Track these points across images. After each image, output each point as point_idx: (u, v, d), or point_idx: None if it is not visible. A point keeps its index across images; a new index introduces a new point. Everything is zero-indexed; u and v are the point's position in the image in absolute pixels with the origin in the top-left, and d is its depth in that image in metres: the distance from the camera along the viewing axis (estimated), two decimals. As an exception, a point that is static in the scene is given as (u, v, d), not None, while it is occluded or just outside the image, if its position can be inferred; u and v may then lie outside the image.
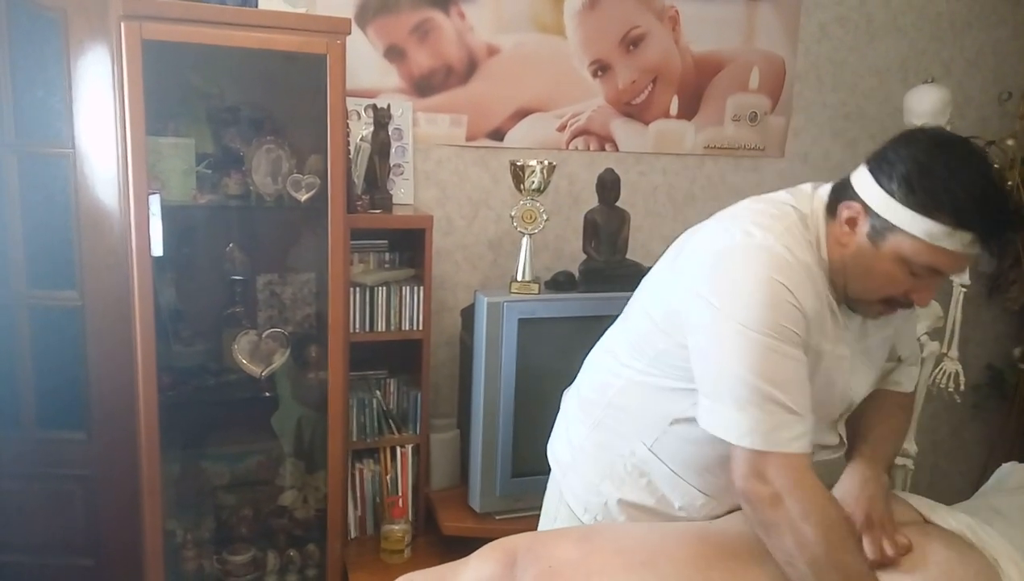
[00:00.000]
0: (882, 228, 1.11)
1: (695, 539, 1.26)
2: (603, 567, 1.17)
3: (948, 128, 2.51)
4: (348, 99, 2.19)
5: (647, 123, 2.68)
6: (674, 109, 2.69)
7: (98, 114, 2.19)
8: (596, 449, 1.43)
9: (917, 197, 1.07)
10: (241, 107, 2.12)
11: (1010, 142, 2.78)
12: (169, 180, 1.92)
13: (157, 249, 1.87)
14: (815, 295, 1.16)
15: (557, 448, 1.55)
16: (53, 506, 2.48)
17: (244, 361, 2.05)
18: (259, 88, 2.14)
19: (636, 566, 1.16)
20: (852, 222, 1.16)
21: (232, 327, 2.15)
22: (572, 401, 1.55)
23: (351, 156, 2.16)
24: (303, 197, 1.99)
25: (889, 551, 1.18)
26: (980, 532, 1.32)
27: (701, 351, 1.19)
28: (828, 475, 1.26)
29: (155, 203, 1.84)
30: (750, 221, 1.19)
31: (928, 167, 1.07)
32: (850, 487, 1.25)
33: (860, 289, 1.19)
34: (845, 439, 1.35)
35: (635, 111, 2.65)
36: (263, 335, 2.07)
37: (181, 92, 2.07)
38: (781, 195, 1.26)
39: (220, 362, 2.16)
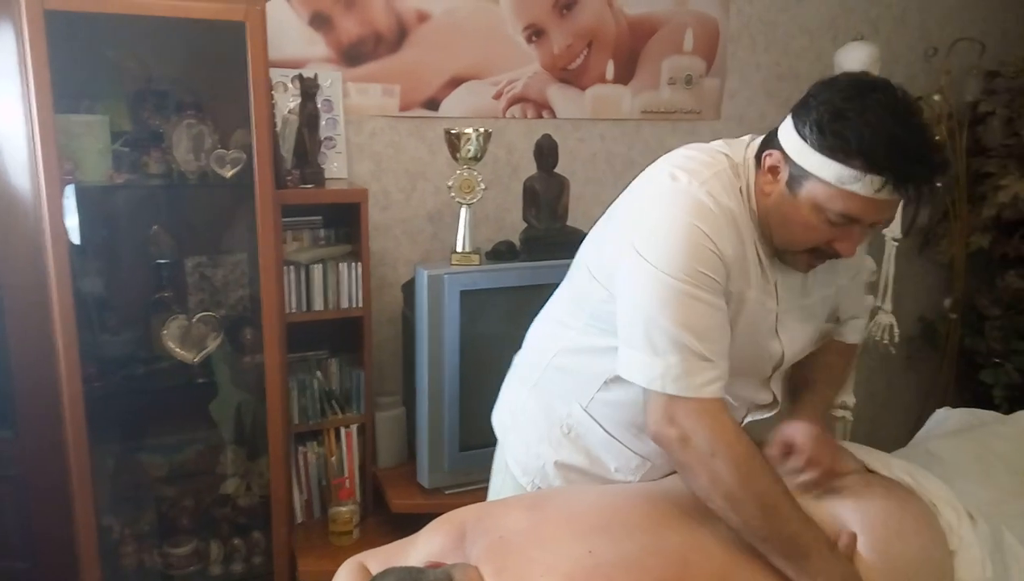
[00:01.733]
0: (798, 175, 1.09)
1: (645, 501, 1.25)
2: (554, 534, 1.15)
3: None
4: (273, 70, 2.12)
5: (583, 89, 2.64)
6: (610, 73, 2.66)
7: (4, 93, 2.05)
8: (535, 411, 1.43)
9: (827, 141, 1.04)
10: (159, 81, 2.01)
11: (937, 97, 2.84)
12: (83, 160, 1.82)
13: (74, 235, 1.77)
14: (738, 242, 1.15)
15: (501, 413, 1.55)
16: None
17: (175, 347, 1.97)
18: (177, 60, 2.03)
19: (587, 532, 1.14)
20: (774, 170, 1.14)
21: (161, 313, 2.06)
22: (516, 365, 1.54)
23: (278, 129, 2.08)
24: (228, 173, 1.91)
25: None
26: (919, 477, 1.35)
27: (622, 296, 1.18)
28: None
29: (70, 186, 1.74)
30: (678, 166, 1.18)
31: (840, 111, 1.04)
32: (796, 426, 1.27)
33: (783, 239, 1.17)
34: (779, 397, 1.35)
35: (571, 77, 2.62)
36: (194, 319, 1.99)
37: (93, 67, 1.95)
38: (717, 144, 1.25)
39: (150, 350, 2.07)
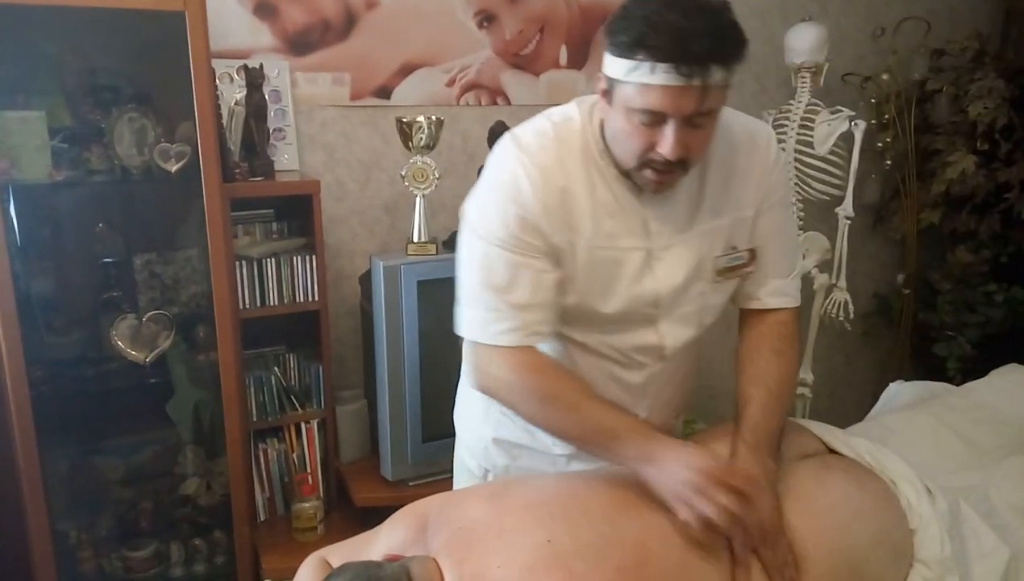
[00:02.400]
0: (610, 86, 1.11)
1: (607, 487, 1.25)
2: (514, 523, 1.14)
3: (826, 65, 2.58)
4: (218, 61, 2.07)
5: (537, 74, 2.63)
6: (563, 59, 2.65)
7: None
8: (472, 396, 1.44)
9: (615, 40, 1.07)
10: (98, 75, 1.95)
11: (885, 76, 2.88)
12: (20, 158, 1.76)
13: (15, 235, 1.72)
14: (558, 200, 1.17)
15: (456, 402, 1.55)
16: (-70, 520, 2.29)
17: (125, 347, 1.93)
18: (117, 53, 1.98)
19: (547, 520, 1.14)
20: (604, 93, 1.14)
21: (110, 312, 2.01)
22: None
23: (225, 122, 2.03)
24: (173, 168, 1.86)
25: (762, 559, 1.13)
26: (878, 455, 1.37)
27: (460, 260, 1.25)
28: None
29: (8, 186, 1.68)
30: (513, 132, 1.22)
31: (626, 10, 1.07)
32: None
33: (619, 159, 1.17)
34: (668, 343, 1.29)
35: (524, 62, 2.60)
36: (144, 319, 1.95)
37: (29, 61, 1.89)
38: (571, 103, 1.25)
39: (100, 351, 2.02)
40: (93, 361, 2.01)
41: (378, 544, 1.26)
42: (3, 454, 2.12)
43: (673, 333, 1.29)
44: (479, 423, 1.44)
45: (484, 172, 1.22)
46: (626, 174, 1.19)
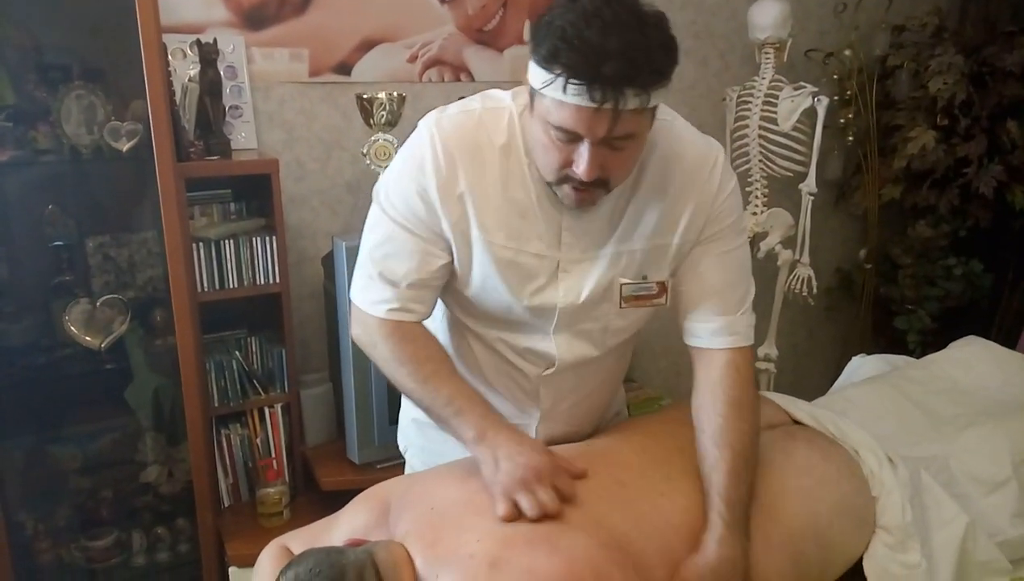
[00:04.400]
0: (531, 93, 1.05)
1: (584, 464, 1.24)
2: (492, 504, 1.13)
3: (789, 41, 2.58)
4: (170, 36, 2.01)
5: (501, 50, 2.59)
6: (527, 34, 2.62)
7: None
8: None
9: (535, 46, 1.01)
10: (44, 51, 1.88)
11: (847, 52, 2.89)
12: (-39, 137, 1.69)
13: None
14: (470, 182, 1.13)
15: None
16: None
17: (79, 333, 1.87)
18: (64, 28, 1.91)
19: None
20: (530, 97, 1.08)
21: (63, 297, 1.95)
22: None
23: (178, 99, 1.97)
24: (124, 146, 1.80)
25: None
26: (841, 425, 1.39)
27: None
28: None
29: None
30: (439, 109, 1.19)
31: (549, 18, 0.99)
32: (710, 562, 1.10)
33: (540, 169, 1.12)
34: (558, 355, 1.24)
35: (488, 38, 2.56)
36: (98, 303, 1.89)
37: (-32, 37, 1.82)
38: (512, 90, 1.20)
39: (53, 337, 1.96)
40: (46, 348, 1.95)
41: (339, 529, 1.24)
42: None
43: (568, 347, 1.24)
44: (405, 402, 1.45)
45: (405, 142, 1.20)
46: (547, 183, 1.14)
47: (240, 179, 2.13)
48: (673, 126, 1.19)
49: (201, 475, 1.99)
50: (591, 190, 1.07)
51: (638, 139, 1.06)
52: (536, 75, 1.01)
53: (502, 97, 1.17)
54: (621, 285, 1.19)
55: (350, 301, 1.27)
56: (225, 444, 2.18)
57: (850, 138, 2.99)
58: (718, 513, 1.12)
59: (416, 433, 1.46)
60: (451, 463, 1.34)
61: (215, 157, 1.98)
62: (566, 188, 1.08)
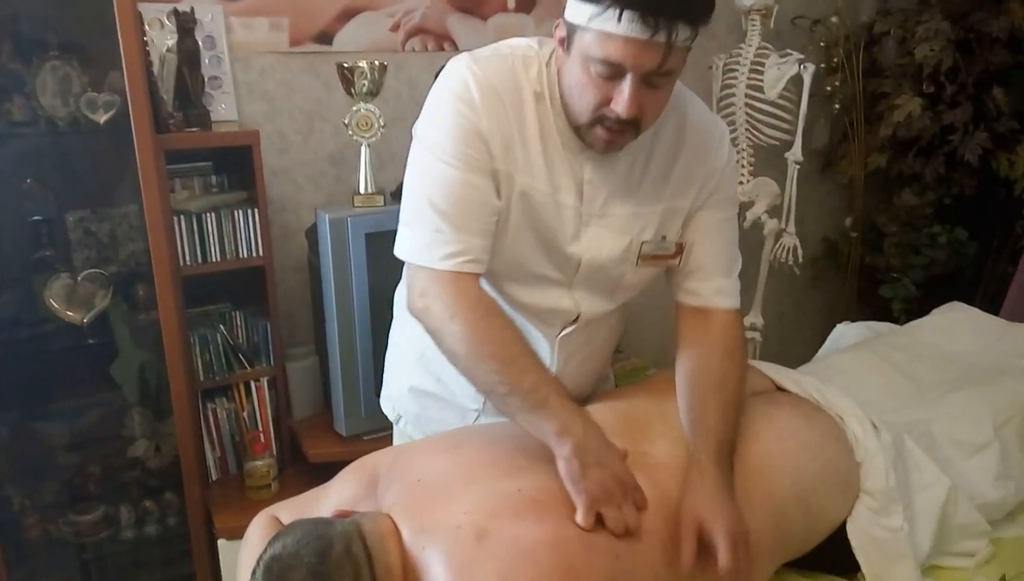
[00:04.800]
0: (569, 32, 1.06)
1: None
2: (482, 474, 1.12)
3: (776, 7, 2.56)
4: (147, 5, 1.98)
5: (485, 18, 2.56)
6: (512, 2, 2.58)
7: None
8: (396, 342, 1.46)
9: None
10: (18, 21, 1.84)
11: (834, 19, 2.87)
12: (-68, 109, 1.65)
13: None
14: (513, 124, 1.13)
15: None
16: None
17: (60, 308, 1.85)
18: (37, -2, 1.86)
19: (516, 471, 1.12)
20: (561, 41, 1.10)
21: (43, 273, 1.92)
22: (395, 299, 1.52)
23: (156, 70, 1.93)
24: (102, 118, 1.77)
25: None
26: (825, 392, 1.40)
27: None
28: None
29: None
30: (469, 53, 1.17)
31: None
32: (702, 501, 1.09)
33: (570, 110, 1.12)
34: (583, 310, 1.27)
35: (471, 6, 2.52)
36: (79, 278, 1.87)
37: (-62, 6, 1.77)
38: (532, 39, 1.21)
39: (35, 313, 1.94)
40: (27, 323, 1.93)
41: (328, 500, 1.24)
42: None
43: (588, 302, 1.27)
44: (398, 371, 1.45)
45: (434, 86, 1.16)
46: (574, 129, 1.14)
47: (221, 151, 2.10)
48: (684, 92, 1.23)
49: (187, 449, 1.99)
50: (623, 132, 1.09)
51: (673, 79, 1.08)
52: (579, 11, 1.02)
53: (530, 44, 1.18)
54: (642, 243, 1.22)
55: (407, 268, 1.18)
56: (212, 418, 2.17)
57: (836, 106, 2.98)
58: (705, 451, 1.14)
59: (412, 401, 1.44)
60: (438, 434, 1.34)
61: (194, 129, 1.95)
62: (597, 130, 1.09)
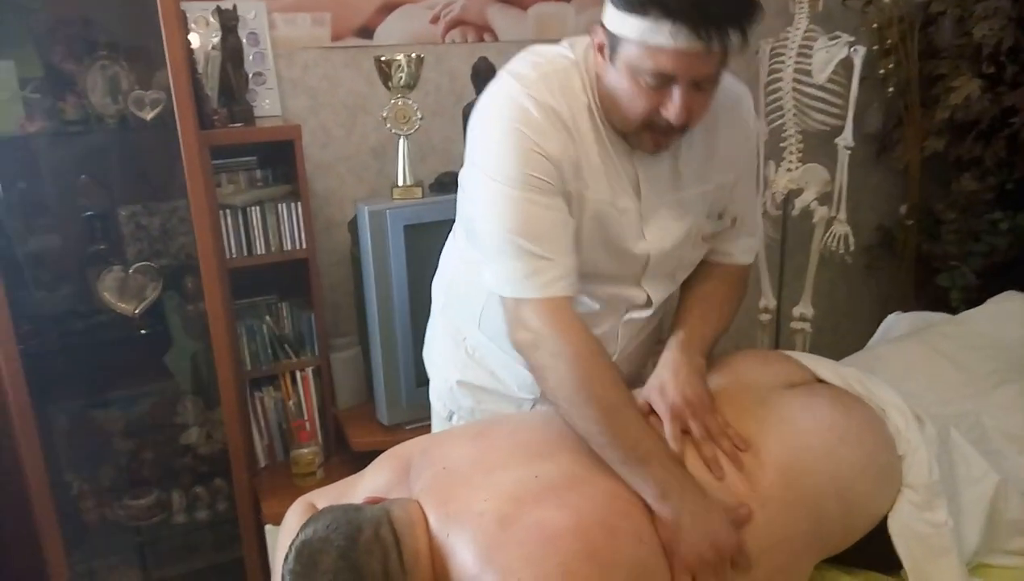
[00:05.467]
0: (613, 43, 1.05)
1: None
2: (501, 461, 1.13)
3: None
4: (191, 4, 2.03)
5: (525, 8, 2.55)
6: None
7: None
8: (442, 335, 1.45)
9: None
10: (68, 22, 1.90)
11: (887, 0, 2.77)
12: (-10, 109, 1.73)
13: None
14: (569, 142, 1.11)
15: (426, 346, 1.55)
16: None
17: (113, 300, 1.92)
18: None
19: (534, 458, 1.13)
20: (600, 48, 1.09)
21: (97, 266, 1.99)
22: (433, 292, 1.52)
23: (201, 67, 1.98)
24: (149, 116, 1.83)
25: (697, 431, 1.14)
26: (867, 383, 1.35)
27: (473, 209, 1.19)
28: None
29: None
30: (509, 71, 1.15)
31: None
32: (661, 375, 1.19)
33: (617, 117, 1.12)
34: (654, 298, 1.29)
35: (511, -4, 2.52)
36: (130, 271, 1.93)
37: (-4, 10, 1.84)
38: (561, 44, 1.19)
39: (89, 305, 2.01)
40: (82, 315, 2.00)
41: (362, 487, 1.26)
42: (4, 409, 2.15)
43: (656, 288, 1.29)
44: (445, 364, 1.44)
45: (483, 112, 1.15)
46: (621, 134, 1.15)
47: (265, 146, 2.14)
48: None
49: (235, 436, 2.04)
50: (672, 134, 1.10)
51: (719, 78, 1.08)
52: (622, 22, 1.02)
53: (563, 53, 1.16)
54: (702, 223, 1.26)
55: (508, 304, 1.15)
56: (259, 407, 2.23)
57: (890, 89, 2.87)
58: (674, 338, 1.22)
59: (464, 395, 1.43)
60: (466, 424, 1.35)
61: (238, 125, 1.99)
62: (646, 135, 1.10)
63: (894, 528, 1.22)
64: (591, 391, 1.07)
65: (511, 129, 1.09)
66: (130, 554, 2.17)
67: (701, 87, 1.04)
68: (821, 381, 1.40)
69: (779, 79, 2.56)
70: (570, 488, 1.04)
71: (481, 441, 1.19)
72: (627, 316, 1.29)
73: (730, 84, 1.23)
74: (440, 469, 1.16)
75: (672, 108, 1.03)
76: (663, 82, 1.02)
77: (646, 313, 1.30)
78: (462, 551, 1.01)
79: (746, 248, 1.36)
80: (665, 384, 1.17)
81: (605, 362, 1.12)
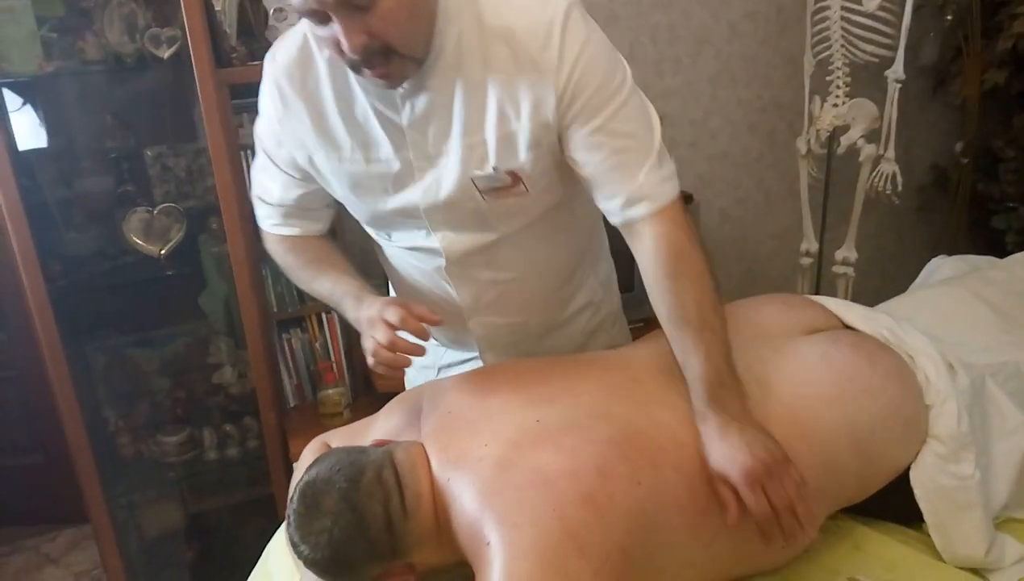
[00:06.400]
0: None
1: (595, 370, 1.21)
2: (504, 406, 1.12)
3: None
4: (208, -63, 1.97)
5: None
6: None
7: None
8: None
9: None
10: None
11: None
12: (10, 50, 1.72)
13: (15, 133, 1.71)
14: (313, 104, 1.12)
15: None
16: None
17: (138, 241, 1.94)
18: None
19: (536, 402, 1.12)
20: None
21: (125, 207, 2.01)
22: None
23: (219, 3, 1.94)
24: (165, 54, 1.81)
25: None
26: (898, 330, 1.29)
27: None
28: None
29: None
30: (282, 37, 1.17)
31: None
32: (708, 456, 1.04)
33: None
34: (443, 245, 1.19)
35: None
36: (155, 212, 1.95)
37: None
38: None
39: (117, 245, 2.04)
40: (110, 255, 2.03)
41: (375, 429, 1.27)
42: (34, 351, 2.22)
43: (453, 239, 1.19)
44: None
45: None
46: None
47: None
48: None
49: (261, 376, 2.07)
50: (384, 64, 0.98)
51: None
52: None
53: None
54: (473, 179, 1.10)
55: None
56: (287, 348, 2.25)
57: (948, 18, 2.69)
58: (699, 397, 1.05)
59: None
60: (476, 369, 1.33)
61: (257, 62, 1.95)
62: (365, 73, 1.01)
63: (916, 480, 1.17)
64: (302, 271, 1.29)
65: (260, 102, 1.19)
66: (166, 489, 2.25)
67: (361, 7, 0.92)
68: (849, 328, 1.34)
69: (826, 7, 2.42)
70: (569, 432, 1.02)
71: (485, 386, 1.18)
72: (444, 269, 1.22)
73: (531, 13, 1.03)
74: (445, 413, 1.15)
75: (342, 41, 0.95)
76: (320, 20, 0.95)
77: (439, 260, 1.21)
78: (462, 495, 1.01)
79: (628, 200, 1.09)
80: (723, 461, 1.02)
81: (308, 245, 1.29)
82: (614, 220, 1.13)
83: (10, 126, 1.77)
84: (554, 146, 1.10)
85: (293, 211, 1.26)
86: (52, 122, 1.98)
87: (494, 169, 1.10)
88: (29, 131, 1.90)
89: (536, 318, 1.32)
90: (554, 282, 1.31)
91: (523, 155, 1.09)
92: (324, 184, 1.20)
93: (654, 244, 1.09)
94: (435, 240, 1.19)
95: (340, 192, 1.19)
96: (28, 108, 1.85)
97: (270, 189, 1.25)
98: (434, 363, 1.43)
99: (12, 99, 1.80)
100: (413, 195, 1.14)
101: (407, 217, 1.17)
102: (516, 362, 1.30)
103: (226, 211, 1.89)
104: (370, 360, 1.10)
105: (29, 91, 1.81)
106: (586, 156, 1.09)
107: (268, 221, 1.29)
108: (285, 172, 1.21)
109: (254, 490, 2.27)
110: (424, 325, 1.10)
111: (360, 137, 1.12)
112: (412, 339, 1.09)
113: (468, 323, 1.29)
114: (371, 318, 1.10)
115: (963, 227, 3.03)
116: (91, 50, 1.82)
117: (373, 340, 1.08)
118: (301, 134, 1.15)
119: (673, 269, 1.08)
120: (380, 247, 1.33)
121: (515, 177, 1.11)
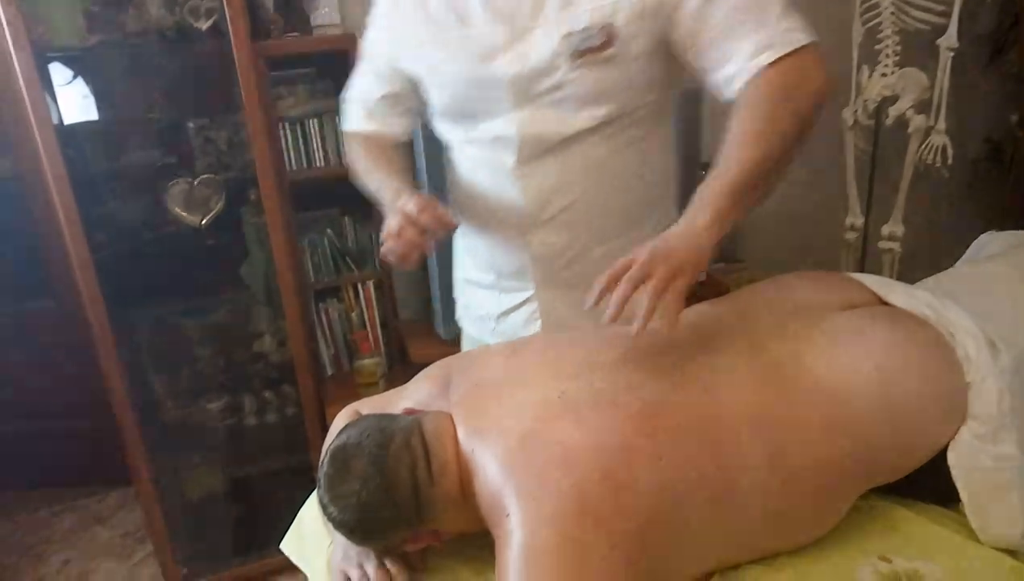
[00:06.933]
0: None
1: (619, 342, 1.20)
2: (529, 379, 1.12)
3: None
4: (247, -92, 1.97)
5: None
6: None
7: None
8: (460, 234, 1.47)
9: None
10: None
11: None
12: (54, 22, 1.76)
13: (59, 105, 1.75)
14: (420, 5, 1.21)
15: None
16: (40, 373, 2.52)
17: (179, 211, 1.97)
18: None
19: (561, 376, 1.11)
20: None
21: (167, 178, 2.05)
22: None
23: (257, -25, 1.95)
24: (204, 26, 1.82)
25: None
26: (938, 307, 1.25)
27: None
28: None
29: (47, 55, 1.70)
30: None
31: None
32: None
33: None
34: (517, 132, 1.21)
35: None
36: (195, 182, 1.98)
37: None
38: None
39: (161, 216, 2.08)
40: (152, 225, 2.07)
41: (406, 399, 1.28)
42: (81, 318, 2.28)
43: (531, 121, 1.19)
44: (457, 266, 1.50)
45: None
46: None
47: (324, 56, 2.11)
48: None
49: (299, 344, 2.10)
50: None
51: None
52: None
53: None
54: (565, 36, 1.12)
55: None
56: (324, 318, 2.28)
57: None
58: (698, 194, 1.03)
59: (462, 293, 1.51)
60: (504, 343, 1.34)
61: (294, 34, 1.97)
62: None
63: (954, 460, 1.14)
64: (360, 171, 1.38)
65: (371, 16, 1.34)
66: (208, 454, 2.31)
67: None
68: (887, 305, 1.31)
69: (878, -29, 2.33)
70: (593, 407, 1.02)
71: (513, 359, 1.19)
72: (515, 170, 1.23)
73: None
74: (473, 384, 1.16)
75: None
76: None
77: (535, 166, 1.22)
78: (485, 466, 1.02)
79: (755, 50, 1.05)
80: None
81: (373, 147, 1.36)
82: (737, 85, 1.08)
83: (56, 100, 1.80)
84: (656, 22, 1.12)
85: (376, 108, 1.35)
86: (96, 95, 2.01)
87: (586, 27, 1.12)
88: (74, 104, 1.93)
89: (599, 248, 1.30)
90: (619, 219, 1.30)
91: (619, 16, 1.12)
92: (414, 64, 1.26)
93: (782, 79, 1.04)
94: (512, 125, 1.20)
95: (430, 62, 1.24)
96: (73, 82, 1.88)
97: (359, 85, 1.37)
98: (491, 313, 1.43)
99: (60, 73, 1.84)
100: (500, 65, 1.17)
101: (491, 89, 1.19)
102: (544, 336, 1.31)
103: (263, 183, 1.91)
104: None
105: (74, 65, 1.84)
106: (708, 9, 1.07)
107: (352, 118, 1.39)
108: (378, 68, 1.32)
109: (292, 456, 2.32)
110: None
111: (459, 8, 1.19)
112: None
113: (528, 238, 1.28)
114: (396, 208, 1.16)
115: (1017, 202, 2.91)
116: (132, 23, 1.85)
117: (387, 227, 1.16)
118: (404, 25, 1.24)
119: (764, 108, 1.04)
120: (451, 163, 1.37)
121: (608, 35, 1.12)
